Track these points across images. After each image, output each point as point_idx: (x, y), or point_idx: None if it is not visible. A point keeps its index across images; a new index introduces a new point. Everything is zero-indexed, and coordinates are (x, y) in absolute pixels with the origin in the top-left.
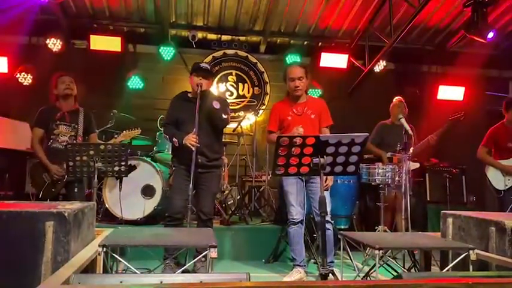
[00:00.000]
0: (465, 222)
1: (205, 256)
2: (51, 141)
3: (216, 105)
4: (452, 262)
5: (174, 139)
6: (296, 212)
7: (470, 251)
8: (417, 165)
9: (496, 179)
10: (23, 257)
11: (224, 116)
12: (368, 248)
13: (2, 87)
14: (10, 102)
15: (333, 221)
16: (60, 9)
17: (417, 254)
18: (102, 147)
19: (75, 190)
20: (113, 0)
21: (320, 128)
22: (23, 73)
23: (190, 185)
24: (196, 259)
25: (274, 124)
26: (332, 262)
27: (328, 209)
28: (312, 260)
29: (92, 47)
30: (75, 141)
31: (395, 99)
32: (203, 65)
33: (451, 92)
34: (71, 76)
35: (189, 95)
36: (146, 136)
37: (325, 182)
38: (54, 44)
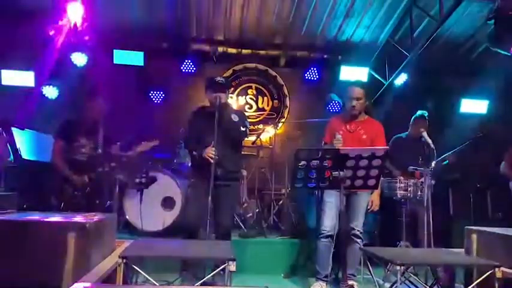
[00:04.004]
0: (490, 238)
1: (223, 269)
2: (72, 153)
3: (235, 118)
4: (477, 280)
5: (194, 153)
6: (329, 225)
7: (496, 269)
8: (432, 181)
9: None
10: (45, 267)
11: (243, 128)
12: (389, 264)
13: (29, 100)
14: (36, 115)
15: (361, 237)
16: (85, 24)
17: (440, 271)
18: (123, 159)
19: (97, 201)
20: (136, 15)
21: None
22: (49, 87)
23: (209, 198)
24: (214, 272)
25: (328, 136)
26: (353, 275)
27: (361, 224)
28: (333, 275)
29: (115, 62)
30: (95, 153)
31: (419, 113)
32: (218, 78)
33: (474, 105)
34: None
35: (207, 109)
36: (167, 149)
37: (371, 204)
38: (79, 59)
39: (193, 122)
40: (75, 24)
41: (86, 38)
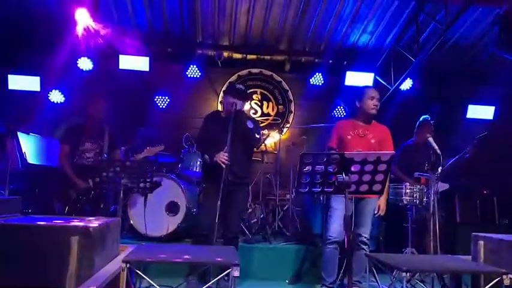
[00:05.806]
0: (497, 245)
1: (228, 274)
2: (77, 157)
3: (250, 124)
4: (484, 287)
5: (206, 156)
6: (336, 231)
7: (504, 276)
8: (446, 186)
9: None
10: (48, 271)
11: (257, 136)
12: (395, 271)
13: (35, 105)
14: (42, 120)
15: (368, 244)
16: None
17: (447, 278)
18: (127, 163)
19: (101, 206)
20: (141, 20)
21: None
22: (55, 91)
23: (219, 203)
24: (219, 277)
25: (335, 141)
26: (359, 282)
27: (368, 231)
28: (338, 282)
29: (121, 67)
30: (100, 158)
31: (422, 118)
32: (239, 86)
33: (480, 111)
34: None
35: (222, 114)
36: (172, 153)
37: (378, 209)
38: (85, 64)
39: (207, 125)
40: (82, 29)
41: (92, 43)
